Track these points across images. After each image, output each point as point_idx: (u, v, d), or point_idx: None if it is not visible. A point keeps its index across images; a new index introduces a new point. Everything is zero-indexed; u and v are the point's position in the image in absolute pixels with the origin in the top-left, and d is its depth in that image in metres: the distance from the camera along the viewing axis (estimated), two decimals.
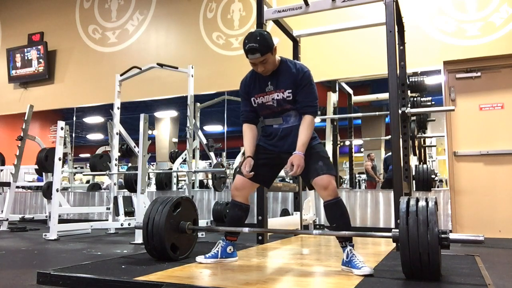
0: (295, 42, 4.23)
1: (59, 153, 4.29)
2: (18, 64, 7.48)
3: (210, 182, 6.85)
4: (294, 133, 2.43)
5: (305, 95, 2.40)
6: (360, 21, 4.40)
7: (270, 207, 5.38)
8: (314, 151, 2.43)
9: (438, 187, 5.08)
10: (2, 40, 7.89)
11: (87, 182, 7.85)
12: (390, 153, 4.78)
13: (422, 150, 5.71)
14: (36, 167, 5.65)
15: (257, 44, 2.32)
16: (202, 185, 6.62)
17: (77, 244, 3.82)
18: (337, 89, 5.57)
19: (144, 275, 2.10)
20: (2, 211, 5.37)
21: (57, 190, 4.24)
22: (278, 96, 2.44)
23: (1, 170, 6.60)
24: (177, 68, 4.96)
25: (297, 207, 4.26)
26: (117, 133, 5.03)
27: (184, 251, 2.70)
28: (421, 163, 5.35)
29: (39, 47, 7.30)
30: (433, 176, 4.71)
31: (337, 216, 2.34)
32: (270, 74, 2.46)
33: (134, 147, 4.97)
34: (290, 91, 2.41)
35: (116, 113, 5.05)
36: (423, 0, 5.01)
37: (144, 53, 6.59)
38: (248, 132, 2.55)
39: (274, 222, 3.79)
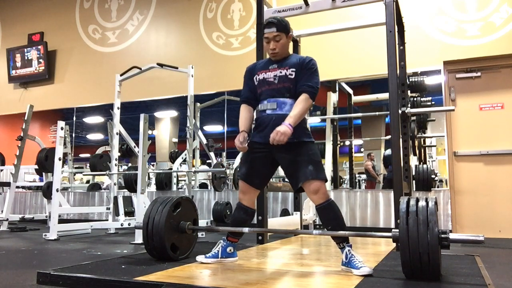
0: (295, 42, 4.24)
1: (59, 153, 4.29)
2: (18, 64, 7.48)
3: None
4: None
5: (307, 78, 2.44)
6: (360, 21, 4.41)
7: (270, 207, 5.38)
8: (305, 151, 2.37)
9: (438, 187, 5.08)
10: (2, 40, 7.89)
11: (87, 182, 7.85)
12: (389, 151, 4.76)
13: (422, 150, 5.71)
14: (36, 167, 5.65)
15: (276, 20, 2.47)
16: (206, 186, 6.58)
17: (77, 244, 3.82)
18: (337, 89, 5.58)
19: (144, 275, 2.10)
20: (2, 211, 5.37)
21: (57, 190, 4.24)
22: (281, 72, 2.48)
23: (1, 170, 6.60)
24: (177, 68, 4.96)
25: (297, 207, 4.26)
26: (117, 133, 5.03)
27: (184, 251, 2.70)
28: (421, 163, 5.35)
29: (39, 47, 7.30)
30: (433, 176, 4.71)
31: (330, 218, 2.34)
32: (278, 60, 2.52)
33: (134, 147, 4.97)
34: (293, 69, 2.46)
35: (116, 113, 5.06)
36: (423, 0, 5.01)
37: (144, 53, 6.59)
38: (245, 111, 2.58)
39: (274, 222, 3.79)
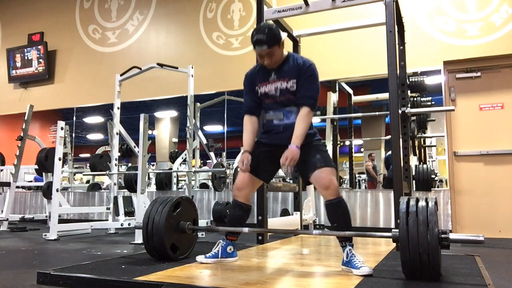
0: (295, 42, 4.23)
1: (59, 153, 4.29)
2: (18, 64, 7.47)
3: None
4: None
5: (306, 87, 2.40)
6: (360, 21, 4.40)
7: (270, 207, 5.38)
8: (313, 145, 2.44)
9: (438, 187, 5.08)
10: (2, 40, 7.89)
11: (87, 182, 7.85)
12: (390, 152, 4.77)
13: (422, 150, 5.71)
14: (36, 167, 5.65)
15: (265, 36, 2.34)
16: (206, 186, 6.56)
17: (77, 244, 3.82)
18: (337, 89, 5.57)
19: (144, 275, 2.10)
20: (2, 211, 5.37)
21: (57, 190, 4.24)
22: (281, 85, 2.45)
23: (1, 170, 6.60)
24: (177, 68, 4.96)
25: (297, 207, 4.26)
26: (117, 133, 5.03)
27: (184, 251, 2.70)
28: (421, 163, 5.35)
29: (39, 47, 7.30)
30: (433, 176, 4.71)
31: (338, 216, 2.34)
32: (275, 67, 2.47)
33: (134, 147, 4.97)
34: (294, 81, 2.42)
35: (116, 113, 5.06)
36: (423, 0, 5.01)
37: (144, 53, 6.58)
38: (249, 125, 2.54)
39: (274, 222, 3.79)
